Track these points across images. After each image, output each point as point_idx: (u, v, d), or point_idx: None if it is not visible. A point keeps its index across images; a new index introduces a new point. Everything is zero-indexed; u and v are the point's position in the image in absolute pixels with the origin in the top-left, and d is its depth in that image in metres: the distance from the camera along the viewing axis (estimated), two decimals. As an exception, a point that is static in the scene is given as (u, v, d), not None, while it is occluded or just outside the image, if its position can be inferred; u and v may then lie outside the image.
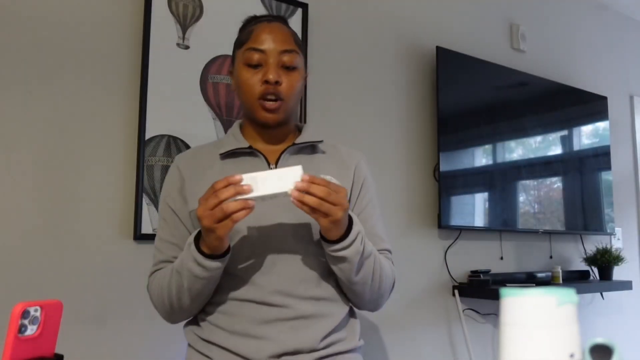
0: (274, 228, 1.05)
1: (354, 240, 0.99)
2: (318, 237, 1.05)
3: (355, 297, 1.11)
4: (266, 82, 1.05)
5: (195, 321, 1.11)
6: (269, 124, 1.10)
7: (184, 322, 1.16)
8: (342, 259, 1.00)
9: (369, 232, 1.12)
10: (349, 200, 1.14)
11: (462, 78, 2.49)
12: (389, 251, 1.19)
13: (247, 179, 0.89)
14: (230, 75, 1.17)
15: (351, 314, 1.16)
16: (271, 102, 1.06)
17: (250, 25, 1.13)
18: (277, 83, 1.06)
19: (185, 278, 0.99)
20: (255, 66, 1.07)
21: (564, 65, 3.16)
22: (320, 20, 2.15)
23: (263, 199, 0.91)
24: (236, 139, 1.13)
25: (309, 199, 0.89)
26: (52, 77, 1.57)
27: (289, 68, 1.08)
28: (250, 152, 1.12)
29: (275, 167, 1.10)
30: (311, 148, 1.17)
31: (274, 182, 0.89)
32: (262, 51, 1.07)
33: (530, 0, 3.03)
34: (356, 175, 1.17)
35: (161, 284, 1.06)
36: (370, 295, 1.10)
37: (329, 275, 1.09)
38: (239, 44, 1.12)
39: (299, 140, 1.14)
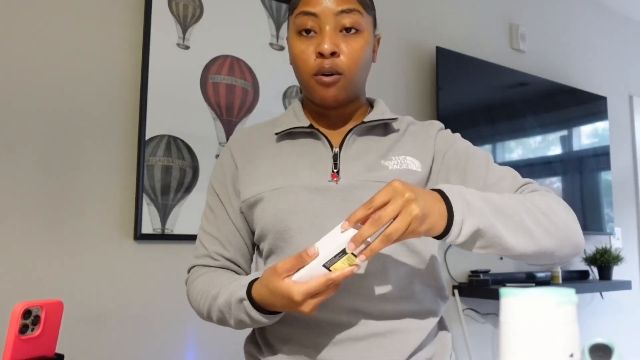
0: None
1: (462, 216, 0.75)
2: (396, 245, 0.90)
3: (546, 259, 0.85)
4: (320, 54, 0.87)
5: (254, 339, 1.00)
6: (328, 103, 0.91)
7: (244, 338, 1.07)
8: (476, 237, 0.76)
9: (489, 189, 0.91)
10: (435, 178, 0.96)
11: (462, 78, 2.49)
12: (527, 183, 0.93)
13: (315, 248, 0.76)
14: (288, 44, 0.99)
15: (440, 325, 0.97)
16: (327, 77, 0.88)
17: None
18: (333, 54, 0.87)
19: (231, 319, 0.88)
20: (309, 32, 0.89)
21: (563, 66, 3.16)
22: (320, 20, 2.15)
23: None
24: (296, 117, 0.97)
25: (374, 245, 0.71)
26: (51, 76, 1.57)
27: (349, 31, 0.88)
28: (311, 132, 0.96)
29: (340, 151, 0.93)
30: (383, 127, 0.98)
31: (332, 243, 0.75)
32: (314, 15, 0.88)
33: (530, 1, 3.03)
34: (438, 145, 0.97)
35: (199, 301, 0.94)
36: (556, 242, 0.82)
37: (411, 287, 0.91)
38: (291, 8, 0.93)
39: (369, 118, 0.95)
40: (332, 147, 0.93)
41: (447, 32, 2.60)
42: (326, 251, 0.74)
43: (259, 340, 0.96)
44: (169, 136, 1.74)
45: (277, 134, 0.96)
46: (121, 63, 1.69)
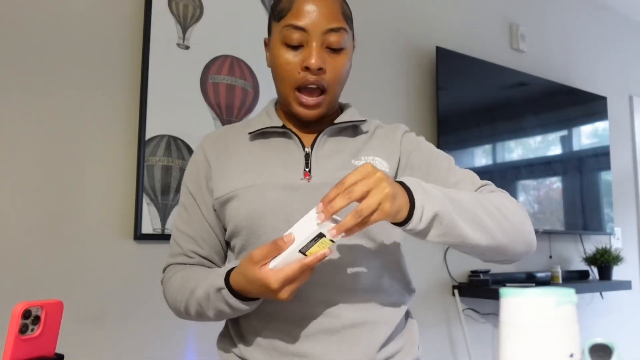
0: None
1: (422, 202, 0.78)
2: (364, 237, 0.93)
3: (499, 255, 0.90)
4: (307, 68, 0.90)
5: (228, 334, 1.01)
6: (307, 120, 0.96)
7: (217, 332, 1.07)
8: (435, 222, 0.79)
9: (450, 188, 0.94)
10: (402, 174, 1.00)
11: (462, 78, 2.49)
12: (485, 185, 0.99)
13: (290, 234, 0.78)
14: (265, 46, 1.01)
15: (407, 316, 1.01)
16: (311, 98, 0.92)
17: None
18: (320, 70, 0.90)
19: (210, 310, 0.90)
20: (295, 47, 0.91)
21: (563, 66, 3.16)
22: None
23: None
24: (269, 117, 1.00)
25: (346, 221, 0.73)
26: (52, 77, 1.57)
27: (335, 50, 0.91)
28: (283, 132, 0.98)
29: (311, 151, 0.96)
30: (353, 129, 1.01)
31: (306, 228, 0.77)
32: (303, 29, 0.90)
33: (530, 1, 3.03)
34: (403, 146, 1.01)
35: (176, 297, 0.96)
36: (508, 237, 0.87)
37: (380, 280, 0.95)
38: (277, 14, 0.94)
39: (340, 119, 0.98)
40: (303, 147, 0.96)
41: (447, 32, 2.60)
42: (302, 237, 0.76)
43: (232, 335, 0.98)
44: (169, 136, 1.74)
45: (250, 133, 0.98)
46: (121, 63, 1.69)
